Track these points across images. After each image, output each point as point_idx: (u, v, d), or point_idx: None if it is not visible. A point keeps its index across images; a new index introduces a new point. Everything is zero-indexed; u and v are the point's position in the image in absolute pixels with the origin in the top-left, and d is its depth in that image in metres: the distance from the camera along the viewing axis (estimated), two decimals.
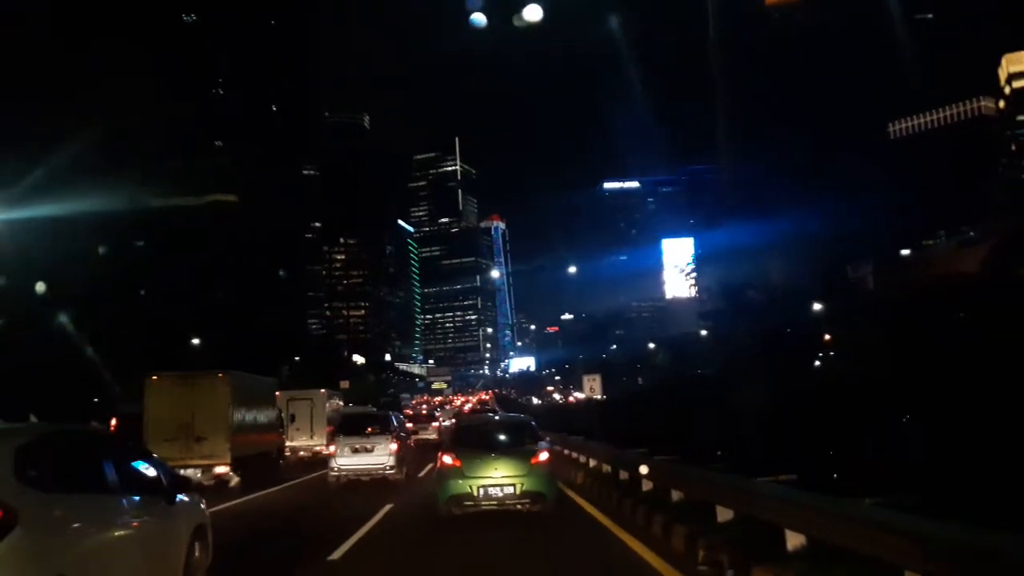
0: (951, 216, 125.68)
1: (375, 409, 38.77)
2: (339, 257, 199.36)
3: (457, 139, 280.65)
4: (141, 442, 15.15)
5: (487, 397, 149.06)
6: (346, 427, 19.08)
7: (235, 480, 17.17)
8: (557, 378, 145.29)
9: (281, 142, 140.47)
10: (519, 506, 11.01)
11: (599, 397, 22.93)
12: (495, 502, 10.92)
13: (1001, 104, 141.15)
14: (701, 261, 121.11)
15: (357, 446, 17.89)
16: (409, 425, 26.27)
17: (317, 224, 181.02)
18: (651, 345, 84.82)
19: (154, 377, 17.78)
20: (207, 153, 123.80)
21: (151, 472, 6.48)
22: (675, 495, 10.65)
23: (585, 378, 23.45)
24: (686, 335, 73.65)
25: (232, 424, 17.35)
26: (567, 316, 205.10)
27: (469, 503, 10.94)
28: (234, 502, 14.93)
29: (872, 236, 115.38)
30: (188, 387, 17.60)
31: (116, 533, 5.44)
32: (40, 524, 4.54)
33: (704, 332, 67.45)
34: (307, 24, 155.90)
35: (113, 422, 21.07)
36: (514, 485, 10.91)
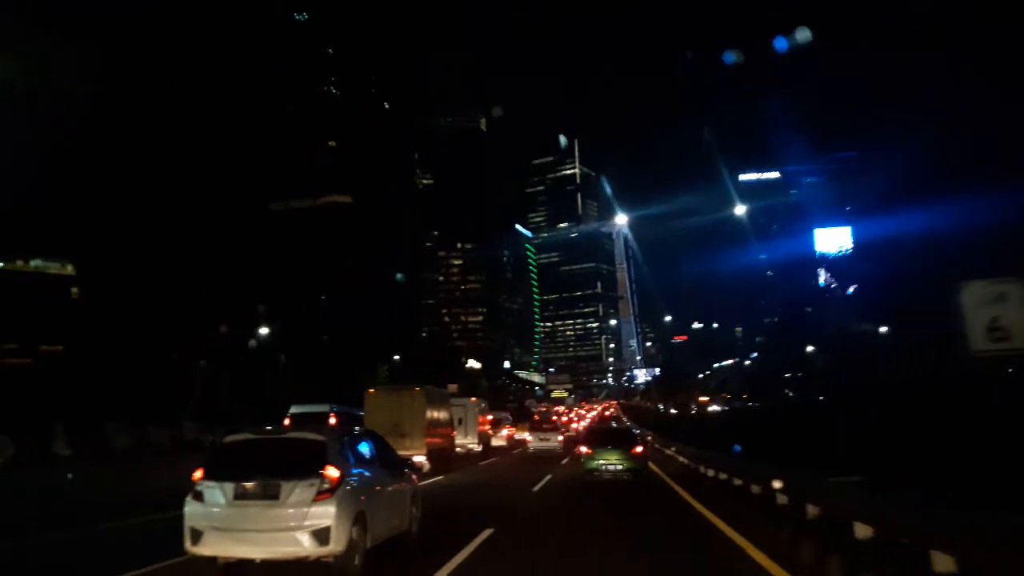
0: None
1: (508, 415, 52.19)
2: (456, 262, 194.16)
3: (576, 141, 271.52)
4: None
5: (612, 407, 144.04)
6: (535, 427, 41.21)
7: (427, 466, 22.24)
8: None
9: (396, 143, 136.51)
10: (624, 477, 20.02)
11: None
12: (610, 474, 20.12)
13: None
14: (861, 253, 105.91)
15: (542, 437, 37.21)
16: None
17: (435, 232, 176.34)
18: (809, 348, 72.19)
19: (370, 391, 24.24)
20: (321, 153, 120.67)
21: (389, 454, 10.38)
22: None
23: None
24: (857, 334, 61.11)
25: (425, 424, 23.10)
26: (697, 325, 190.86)
27: (596, 473, 20.24)
28: (429, 481, 19.53)
29: None
30: (394, 397, 23.61)
31: (380, 490, 9.29)
32: (351, 482, 8.25)
33: (884, 328, 54.96)
34: (420, 24, 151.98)
35: (286, 422, 25.09)
36: (621, 465, 20.13)
